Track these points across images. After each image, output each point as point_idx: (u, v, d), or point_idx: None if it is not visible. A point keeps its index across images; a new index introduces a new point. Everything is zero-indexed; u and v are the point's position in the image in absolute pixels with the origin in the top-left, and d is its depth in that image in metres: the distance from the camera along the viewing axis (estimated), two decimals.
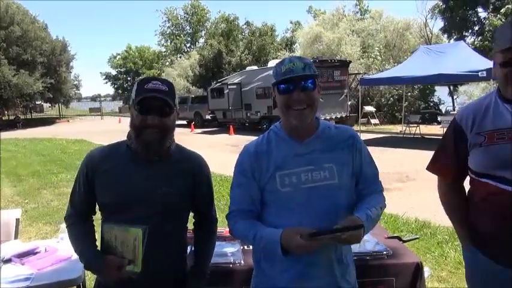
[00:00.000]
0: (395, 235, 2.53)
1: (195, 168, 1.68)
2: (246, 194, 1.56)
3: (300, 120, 1.47)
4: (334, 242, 1.41)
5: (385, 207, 1.64)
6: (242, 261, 2.14)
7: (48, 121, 33.20)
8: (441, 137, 1.95)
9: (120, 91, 54.71)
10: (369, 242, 2.29)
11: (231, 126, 17.83)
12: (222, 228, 2.82)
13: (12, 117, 34.46)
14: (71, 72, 34.23)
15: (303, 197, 1.47)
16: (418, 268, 2.09)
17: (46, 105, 41.09)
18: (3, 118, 31.48)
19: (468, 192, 1.73)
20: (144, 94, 1.50)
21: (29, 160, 10.61)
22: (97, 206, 1.66)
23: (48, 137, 18.20)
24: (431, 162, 1.87)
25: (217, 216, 1.85)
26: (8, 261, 2.29)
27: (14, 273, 2.14)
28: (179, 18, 46.38)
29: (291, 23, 39.74)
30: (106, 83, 57.74)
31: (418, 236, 3.21)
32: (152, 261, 1.52)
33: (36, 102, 38.46)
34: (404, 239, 2.46)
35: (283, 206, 1.50)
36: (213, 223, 1.83)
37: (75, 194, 1.64)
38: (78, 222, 1.64)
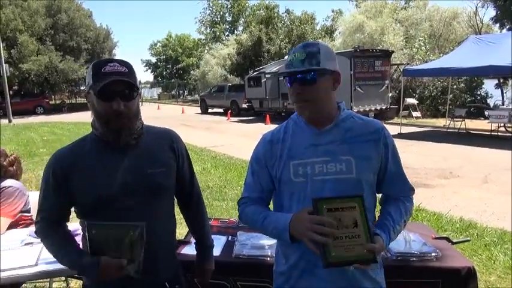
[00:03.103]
0: (444, 236, 2.36)
1: (172, 141, 1.61)
2: (257, 182, 1.54)
3: (302, 113, 1.45)
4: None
5: (411, 214, 1.55)
6: None
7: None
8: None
9: (159, 78, 55.76)
10: (416, 242, 2.15)
11: (267, 115, 17.74)
12: None
13: (58, 102, 36.12)
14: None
15: (315, 190, 1.38)
16: (470, 273, 1.93)
17: None
18: (50, 102, 32.95)
19: None
20: (104, 79, 1.36)
21: None
22: (71, 211, 1.56)
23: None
24: None
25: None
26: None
27: None
28: (220, 6, 46.40)
29: (333, 11, 38.86)
30: (146, 70, 58.96)
31: (469, 238, 3.01)
32: (148, 256, 1.45)
33: (81, 88, 39.98)
34: (454, 240, 2.29)
35: (295, 197, 1.43)
36: (199, 198, 1.80)
37: (45, 201, 1.51)
38: (55, 231, 1.53)
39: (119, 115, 1.39)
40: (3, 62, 21.26)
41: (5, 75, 21.16)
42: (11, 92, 25.07)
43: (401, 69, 14.88)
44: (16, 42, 25.91)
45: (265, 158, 1.52)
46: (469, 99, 17.48)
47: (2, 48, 21.52)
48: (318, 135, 1.44)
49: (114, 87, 1.38)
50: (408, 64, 17.26)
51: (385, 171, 1.49)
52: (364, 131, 1.46)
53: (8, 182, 2.59)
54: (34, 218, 2.74)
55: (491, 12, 20.49)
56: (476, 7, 21.27)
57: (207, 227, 1.83)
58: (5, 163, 2.63)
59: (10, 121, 21.07)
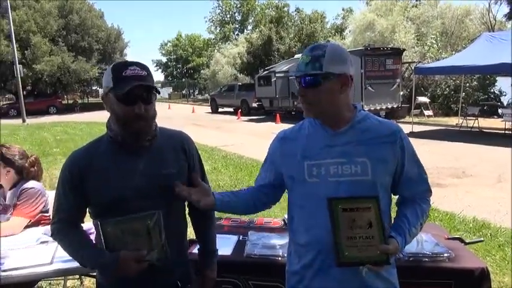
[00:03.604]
0: (456, 236, 2.34)
1: (183, 143, 1.63)
2: (262, 174, 1.65)
3: (307, 115, 1.46)
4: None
5: (428, 216, 1.54)
6: None
7: (103, 106, 34.74)
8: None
9: (170, 78, 56.08)
10: (428, 243, 2.13)
11: (277, 114, 17.71)
12: (270, 219, 2.78)
13: (70, 102, 36.61)
14: (124, 59, 35.51)
15: (329, 191, 1.37)
16: (484, 274, 1.91)
17: (101, 90, 43.15)
18: (63, 102, 33.37)
19: None
20: (128, 83, 1.38)
21: (86, 142, 11.46)
22: (86, 212, 1.58)
23: (103, 120, 18.99)
24: None
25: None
26: None
27: None
28: (230, 5, 46.48)
29: (343, 9, 38.69)
30: (157, 70, 59.38)
31: (482, 239, 2.97)
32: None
33: (93, 88, 40.45)
34: (467, 241, 2.27)
35: (309, 197, 1.43)
36: None
37: (62, 203, 1.52)
38: (72, 232, 1.54)
39: (138, 118, 1.42)
40: (17, 62, 21.58)
41: (19, 76, 21.49)
42: (24, 93, 25.48)
43: (413, 68, 14.75)
44: (29, 43, 26.33)
45: (274, 155, 1.56)
46: (482, 98, 17.24)
47: (15, 50, 21.85)
48: (333, 136, 1.44)
49: (136, 91, 1.40)
50: (420, 62, 17.12)
51: (401, 174, 1.46)
52: (380, 133, 1.43)
53: (31, 184, 2.65)
54: None
55: (505, 9, 20.22)
56: (489, 4, 21.05)
57: (213, 231, 1.81)
58: (26, 164, 2.68)
59: (24, 121, 21.39)
